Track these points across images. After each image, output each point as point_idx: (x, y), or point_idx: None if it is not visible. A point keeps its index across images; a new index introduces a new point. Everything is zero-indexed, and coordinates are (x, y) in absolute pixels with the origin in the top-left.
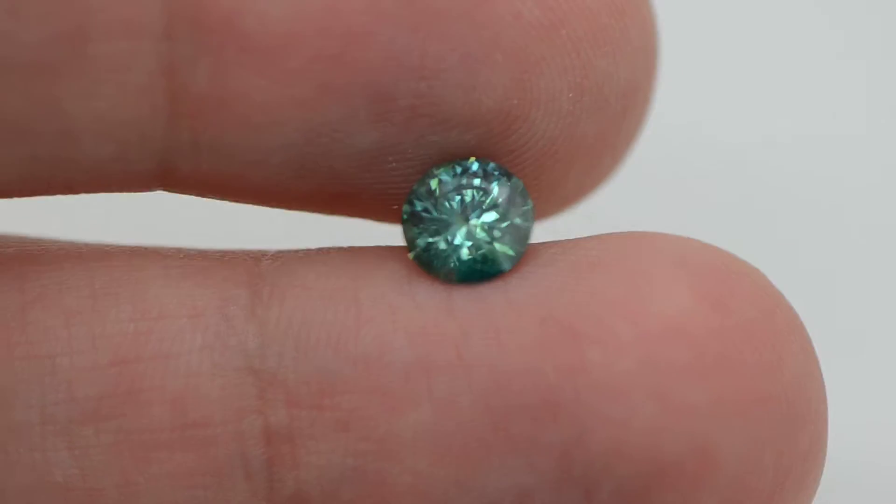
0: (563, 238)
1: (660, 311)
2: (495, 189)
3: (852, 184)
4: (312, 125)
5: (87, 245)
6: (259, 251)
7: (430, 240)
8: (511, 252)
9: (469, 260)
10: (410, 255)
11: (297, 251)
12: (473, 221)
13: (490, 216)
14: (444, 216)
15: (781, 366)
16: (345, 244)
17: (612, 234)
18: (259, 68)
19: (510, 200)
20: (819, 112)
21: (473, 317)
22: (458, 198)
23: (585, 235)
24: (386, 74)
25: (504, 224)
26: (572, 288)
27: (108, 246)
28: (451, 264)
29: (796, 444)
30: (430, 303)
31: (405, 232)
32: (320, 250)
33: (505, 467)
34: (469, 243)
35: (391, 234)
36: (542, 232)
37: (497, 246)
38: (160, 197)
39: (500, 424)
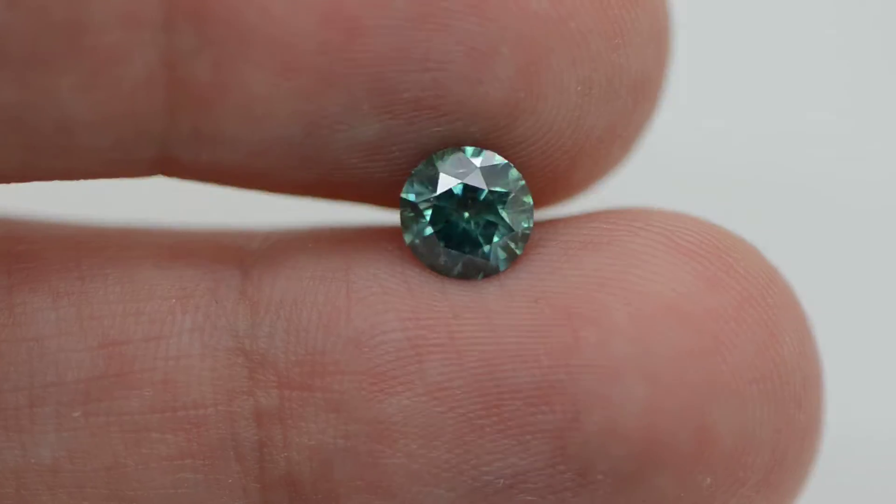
0: (554, 216)
1: (654, 290)
2: (496, 185)
3: (851, 164)
4: (314, 117)
5: (76, 225)
6: (250, 231)
7: (427, 231)
8: (507, 254)
9: (464, 259)
10: (406, 242)
11: (288, 230)
12: (472, 217)
13: (489, 214)
14: (442, 205)
15: (777, 343)
16: (339, 223)
17: (603, 210)
18: (261, 60)
19: (512, 199)
20: (826, 101)
21: (465, 298)
22: (459, 187)
23: (577, 213)
24: (390, 67)
25: (503, 224)
26: (565, 269)
27: (97, 226)
28: (446, 261)
29: (793, 421)
30: (422, 285)
31: (402, 217)
32: (312, 229)
33: (498, 450)
34: (466, 239)
35: (390, 218)
36: (544, 218)
37: (494, 247)
38: (156, 179)
39: (493, 406)
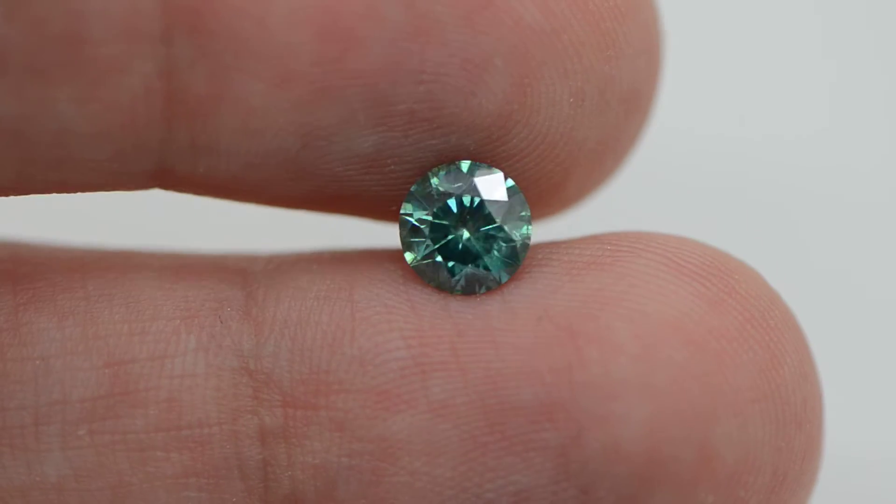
0: (558, 237)
1: (656, 311)
2: (494, 197)
3: (849, 185)
4: (310, 128)
5: (80, 248)
6: (253, 254)
7: (427, 248)
8: (508, 265)
9: (465, 272)
10: (407, 261)
11: (291, 253)
12: (471, 231)
13: (487, 226)
14: (441, 221)
15: (778, 364)
16: (341, 243)
17: (607, 233)
18: (257, 72)
19: (509, 210)
20: (818, 114)
21: (469, 317)
22: (456, 203)
23: (580, 235)
24: (385, 79)
25: (502, 235)
26: (568, 287)
27: (101, 248)
28: (448, 277)
29: (794, 441)
30: (425, 304)
31: (402, 236)
32: (315, 252)
33: (501, 467)
34: (466, 253)
35: (389, 234)
36: (541, 233)
37: (494, 258)
38: (156, 193)
39: (497, 424)
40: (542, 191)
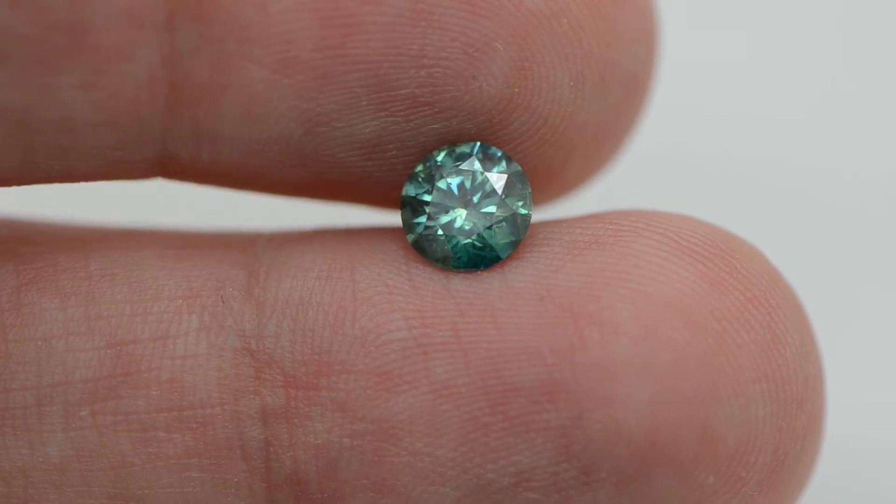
0: (559, 217)
1: (658, 291)
2: (494, 174)
3: (850, 165)
4: (313, 114)
5: (82, 227)
6: (255, 232)
7: (428, 225)
8: (509, 240)
9: (467, 247)
10: (409, 239)
11: (293, 232)
12: (472, 208)
13: (489, 203)
14: (442, 201)
15: (779, 344)
16: (343, 225)
17: (608, 212)
18: (259, 59)
19: (509, 186)
20: (818, 96)
21: (470, 297)
22: (458, 182)
23: (581, 214)
24: (386, 64)
25: (502, 211)
26: (570, 267)
27: (104, 228)
28: (449, 252)
29: (795, 421)
30: (427, 284)
31: (403, 215)
32: (317, 231)
33: (502, 448)
34: (467, 229)
35: (390, 219)
36: (542, 213)
37: (495, 233)
38: (159, 184)
39: (498, 405)
40: (542, 175)
